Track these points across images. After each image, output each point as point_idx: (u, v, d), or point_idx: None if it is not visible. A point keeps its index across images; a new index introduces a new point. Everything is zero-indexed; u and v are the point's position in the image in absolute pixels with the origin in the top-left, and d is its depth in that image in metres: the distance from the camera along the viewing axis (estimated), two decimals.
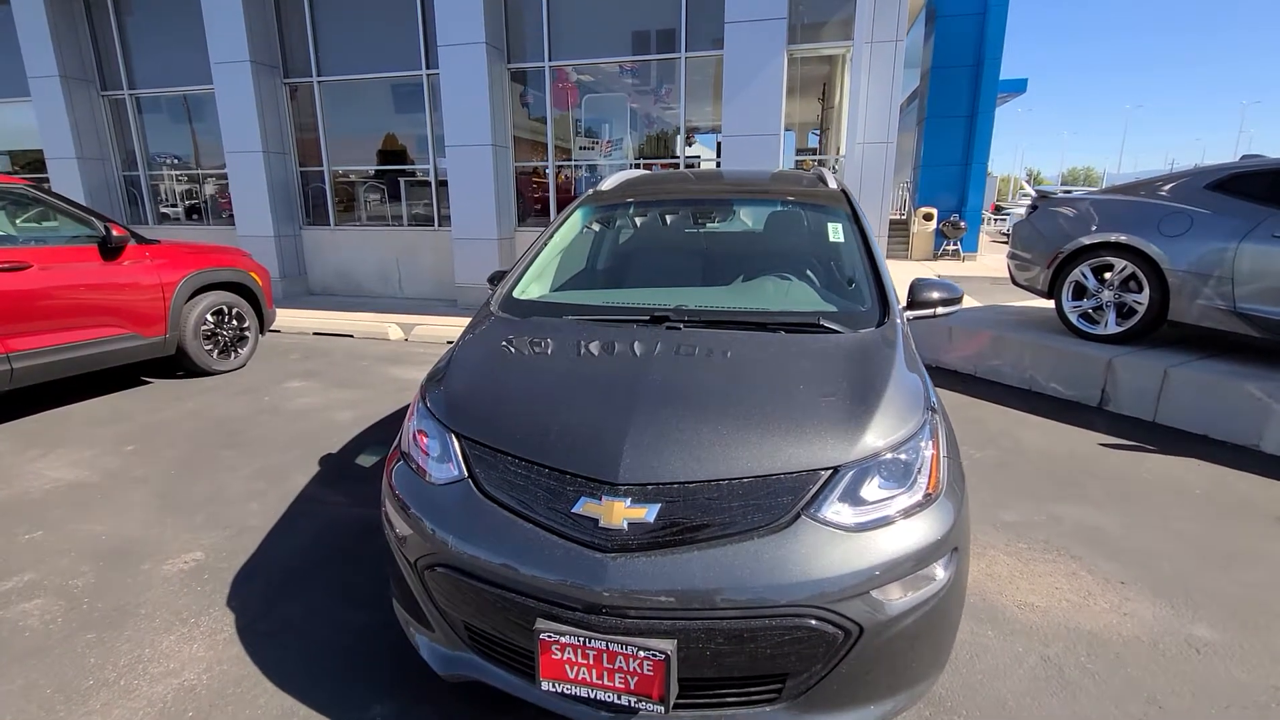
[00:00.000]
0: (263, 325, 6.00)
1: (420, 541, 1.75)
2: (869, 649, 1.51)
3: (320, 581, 2.60)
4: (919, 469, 1.64)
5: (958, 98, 12.86)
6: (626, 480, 1.56)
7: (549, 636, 1.49)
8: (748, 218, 3.00)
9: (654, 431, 1.65)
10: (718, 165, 8.28)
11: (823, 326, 2.08)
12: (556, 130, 8.63)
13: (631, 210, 3.09)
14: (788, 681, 1.53)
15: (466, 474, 1.76)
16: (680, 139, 8.49)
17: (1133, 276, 4.68)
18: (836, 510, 1.55)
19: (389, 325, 7.13)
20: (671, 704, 1.47)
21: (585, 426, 1.70)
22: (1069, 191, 7.03)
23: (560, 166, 8.77)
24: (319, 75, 9.05)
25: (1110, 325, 4.87)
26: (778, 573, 1.47)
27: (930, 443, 1.70)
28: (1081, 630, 2.27)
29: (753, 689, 1.54)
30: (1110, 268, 4.84)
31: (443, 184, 8.99)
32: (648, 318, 2.21)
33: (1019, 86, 15.30)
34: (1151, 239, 4.51)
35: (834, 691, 1.54)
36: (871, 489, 1.59)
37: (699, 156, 9.64)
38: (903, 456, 1.64)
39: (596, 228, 3.08)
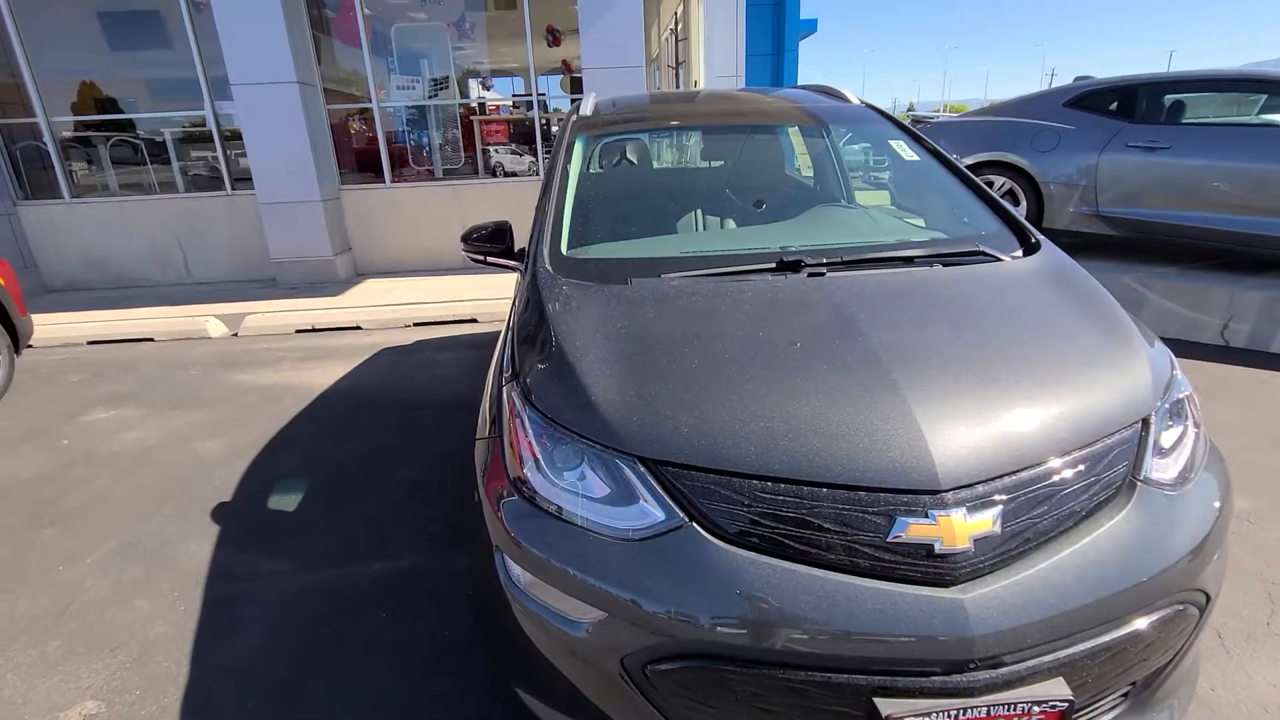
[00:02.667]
0: (16, 342, 4.27)
1: (625, 629, 1.18)
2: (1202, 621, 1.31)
3: (324, 700, 1.82)
4: (1189, 403, 1.45)
5: (763, 36, 13.32)
6: (953, 483, 1.15)
7: (898, 719, 1.06)
8: (779, 142, 2.60)
9: (943, 411, 1.24)
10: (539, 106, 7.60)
11: (985, 254, 1.79)
12: (358, 69, 7.22)
13: (646, 139, 2.52)
14: (1136, 681, 1.28)
15: (684, 516, 1.21)
16: (530, 77, 7.61)
17: (1010, 191, 5.12)
18: (1159, 467, 1.30)
19: (205, 320, 5.55)
20: None
21: (846, 420, 1.23)
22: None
23: (360, 109, 7.38)
24: None
25: None
26: (1150, 555, 1.20)
27: (1179, 371, 1.52)
28: None
29: (1104, 699, 1.27)
30: (990, 185, 5.25)
31: (232, 136, 7.14)
32: (774, 264, 1.74)
33: (810, 26, 16.32)
34: (1027, 155, 4.94)
35: (1172, 681, 1.33)
36: (1169, 435, 1.36)
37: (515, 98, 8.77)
38: (1180, 394, 1.44)
39: (605, 162, 2.46)
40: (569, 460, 1.33)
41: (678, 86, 8.37)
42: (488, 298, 5.92)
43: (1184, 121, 4.51)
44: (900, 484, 1.15)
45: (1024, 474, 1.19)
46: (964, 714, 1.08)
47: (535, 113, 7.40)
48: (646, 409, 1.30)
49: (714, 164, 2.50)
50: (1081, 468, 1.23)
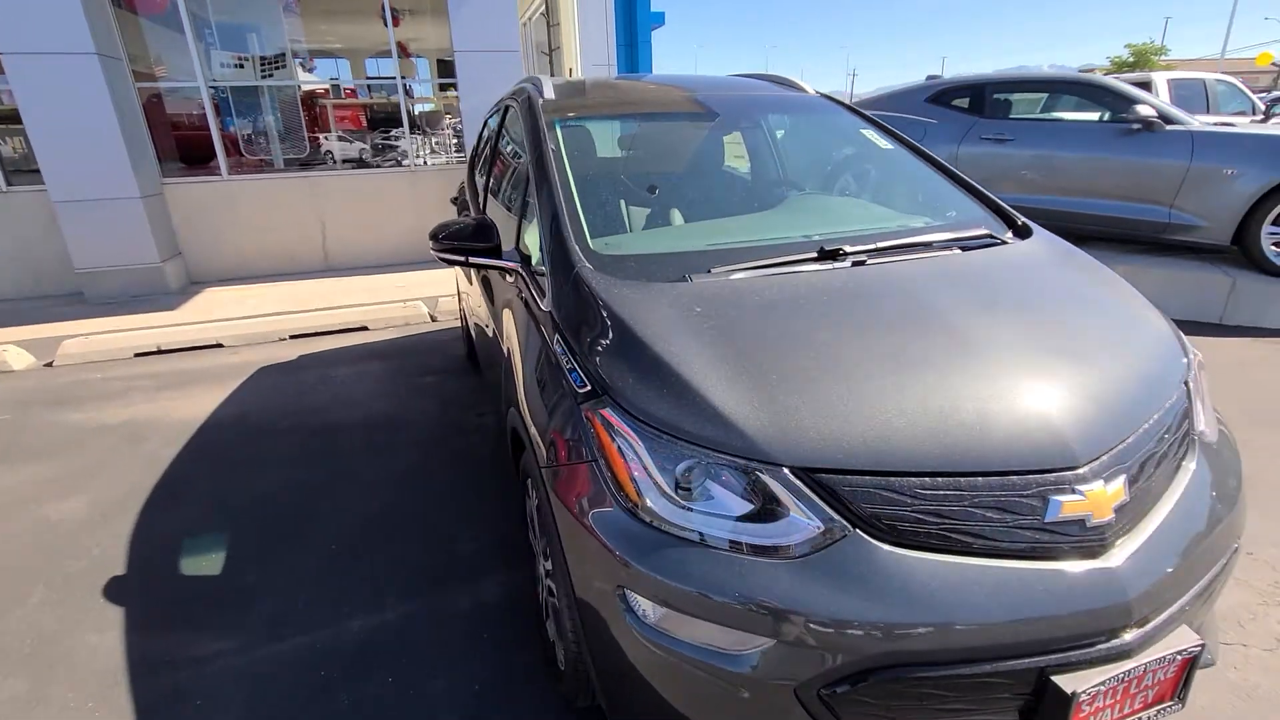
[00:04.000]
0: None
1: (799, 655, 1.10)
2: None
3: None
4: (1196, 362, 1.64)
5: (617, 27, 13.40)
6: (1089, 456, 1.20)
7: (1084, 692, 1.09)
8: (753, 130, 2.55)
9: (1057, 389, 1.29)
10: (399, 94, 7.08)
11: (992, 237, 1.90)
12: (178, 42, 6.16)
13: (637, 125, 2.37)
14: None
15: (846, 523, 1.14)
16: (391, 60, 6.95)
17: None
18: (1201, 420, 1.46)
19: (2, 349, 4.42)
20: (1187, 694, 1.24)
21: (982, 407, 1.23)
22: None
23: (170, 87, 6.34)
24: None
25: None
26: (1224, 499, 1.35)
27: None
28: None
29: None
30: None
31: (7, 118, 5.74)
32: (815, 253, 1.70)
33: (659, 19, 16.63)
34: None
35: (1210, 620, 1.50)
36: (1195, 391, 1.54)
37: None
38: (1193, 354, 1.62)
39: (589, 150, 2.26)
40: (697, 479, 1.20)
41: (552, 74, 8.10)
42: (371, 302, 5.35)
43: (1022, 117, 5.20)
44: (1047, 464, 1.18)
45: (1134, 439, 1.27)
46: (1126, 676, 1.13)
47: (402, 97, 6.78)
48: (786, 415, 1.21)
49: (702, 152, 2.42)
50: (1169, 424, 1.34)
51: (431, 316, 5.12)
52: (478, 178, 3.48)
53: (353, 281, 6.25)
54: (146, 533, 2.53)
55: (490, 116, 3.50)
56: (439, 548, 2.36)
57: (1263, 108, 9.00)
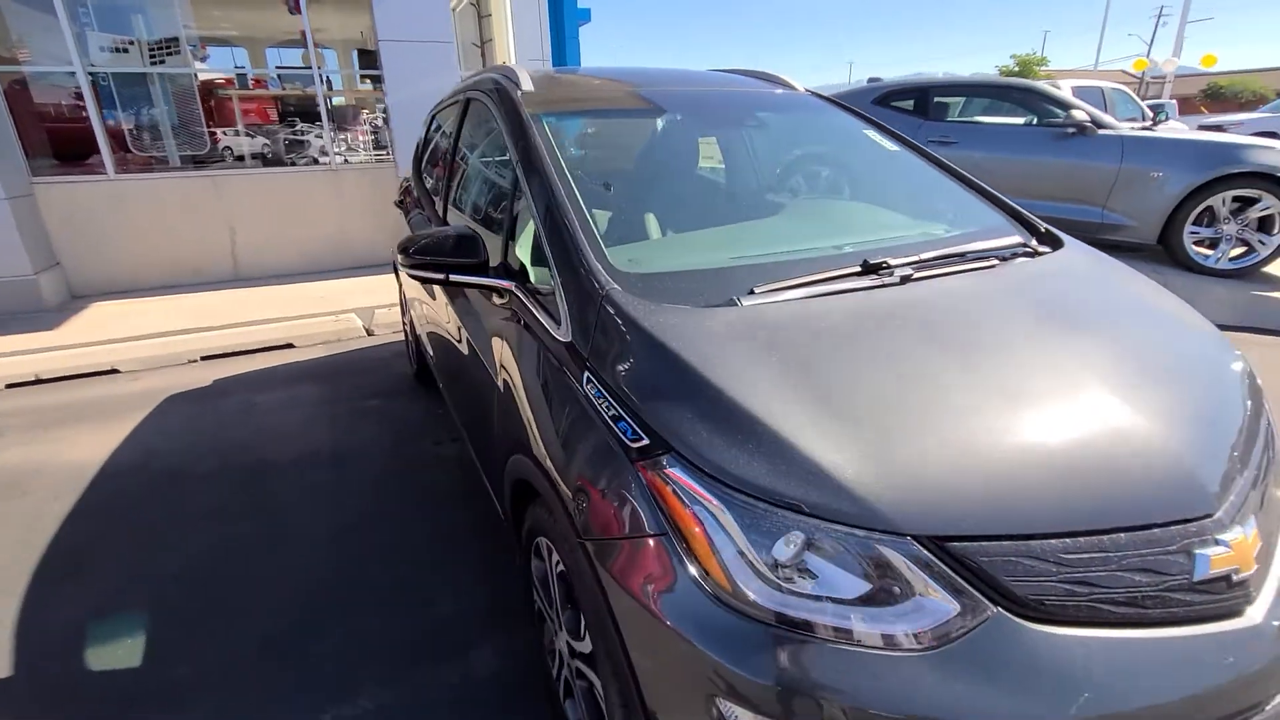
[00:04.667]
0: None
1: None
2: None
3: None
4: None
5: (549, 23, 13.01)
6: (1222, 500, 1.06)
7: None
8: (751, 128, 2.34)
9: (1173, 423, 1.15)
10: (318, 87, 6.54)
11: (1027, 247, 1.77)
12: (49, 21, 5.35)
13: (615, 123, 2.10)
14: None
15: (990, 602, 0.95)
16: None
17: None
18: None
19: None
20: None
21: (1109, 450, 1.08)
22: None
23: (38, 72, 5.52)
24: None
25: None
26: None
27: None
28: None
29: None
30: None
31: None
32: (859, 267, 1.52)
33: (585, 15, 16.39)
34: None
35: None
36: None
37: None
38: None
39: (580, 149, 1.99)
40: (796, 555, 0.98)
41: (483, 65, 7.66)
42: (296, 316, 4.81)
43: (964, 120, 5.31)
44: (1185, 512, 1.03)
45: (1249, 470, 1.15)
46: None
47: (320, 89, 6.19)
48: (904, 471, 1.00)
49: (702, 152, 2.19)
50: (1263, 445, 1.24)
51: (367, 330, 4.66)
52: (427, 180, 3.13)
53: (270, 292, 5.64)
54: (35, 617, 2.06)
55: (440, 111, 3.15)
56: (412, 613, 2.03)
57: (1150, 115, 9.76)
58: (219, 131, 8.75)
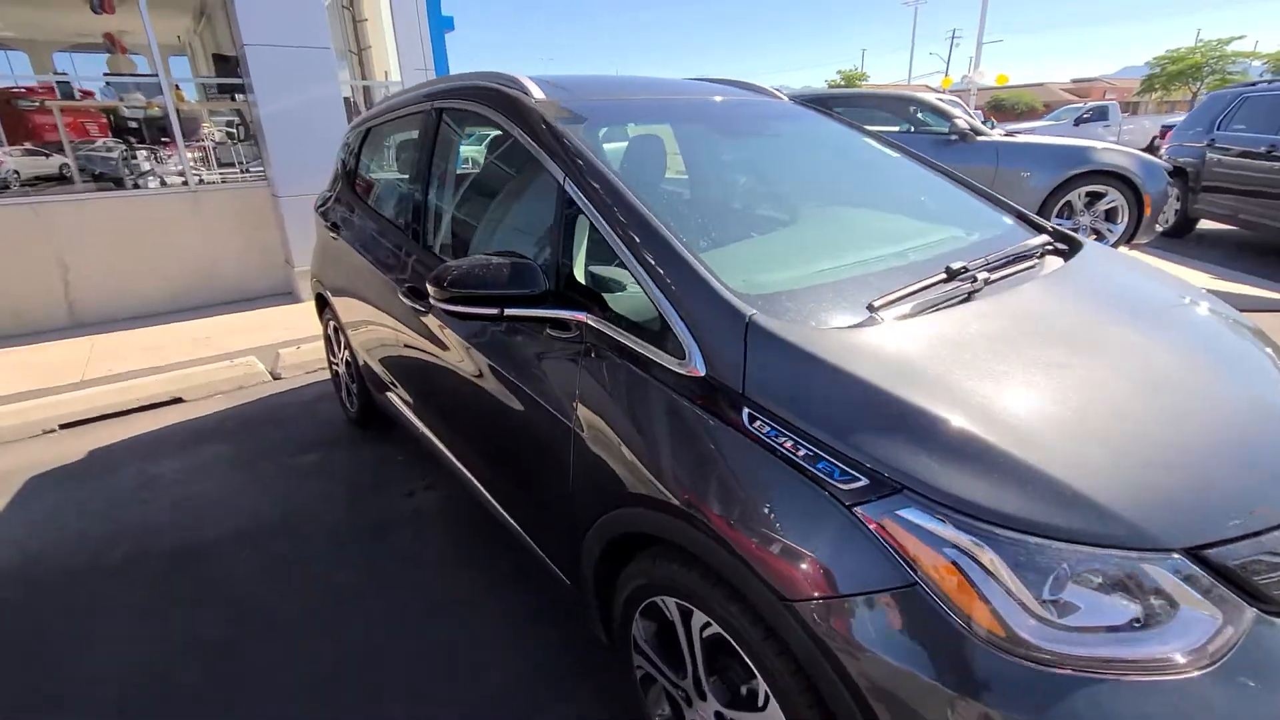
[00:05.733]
0: None
1: None
2: None
3: None
4: None
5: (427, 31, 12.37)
6: None
7: None
8: (770, 137, 2.26)
9: None
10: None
11: (1056, 247, 1.86)
12: None
13: (671, 130, 1.95)
14: None
15: (1244, 603, 0.94)
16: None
17: None
18: None
19: None
20: None
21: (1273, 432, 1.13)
22: None
23: None
24: None
25: None
26: None
27: None
28: None
29: None
30: None
31: None
32: (944, 275, 1.50)
33: (449, 24, 15.74)
34: None
35: None
36: None
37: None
38: None
39: (637, 164, 1.81)
40: (1063, 586, 0.92)
41: (362, 74, 7.01)
42: (174, 365, 4.10)
43: None
44: None
45: None
46: None
47: (169, 100, 5.33)
48: (1152, 484, 0.97)
49: (746, 162, 2.11)
50: None
51: (273, 374, 4.06)
52: (383, 207, 2.75)
53: (124, 339, 4.77)
54: None
55: (378, 125, 2.80)
56: (457, 689, 1.74)
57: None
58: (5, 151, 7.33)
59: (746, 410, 1.14)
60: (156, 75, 5.28)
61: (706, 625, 1.25)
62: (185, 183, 5.53)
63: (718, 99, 2.23)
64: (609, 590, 1.54)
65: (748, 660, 1.16)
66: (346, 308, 2.89)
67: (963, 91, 30.60)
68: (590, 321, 1.44)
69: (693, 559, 1.23)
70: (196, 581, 2.23)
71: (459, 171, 2.27)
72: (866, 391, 1.08)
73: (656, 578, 1.33)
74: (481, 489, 2.06)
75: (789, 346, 1.16)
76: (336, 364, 3.39)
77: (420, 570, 2.24)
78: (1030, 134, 5.73)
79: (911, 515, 0.96)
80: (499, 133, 1.94)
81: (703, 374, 1.22)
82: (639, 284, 1.36)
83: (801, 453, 1.06)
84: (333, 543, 2.40)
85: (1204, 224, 6.97)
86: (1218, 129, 6.86)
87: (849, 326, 1.24)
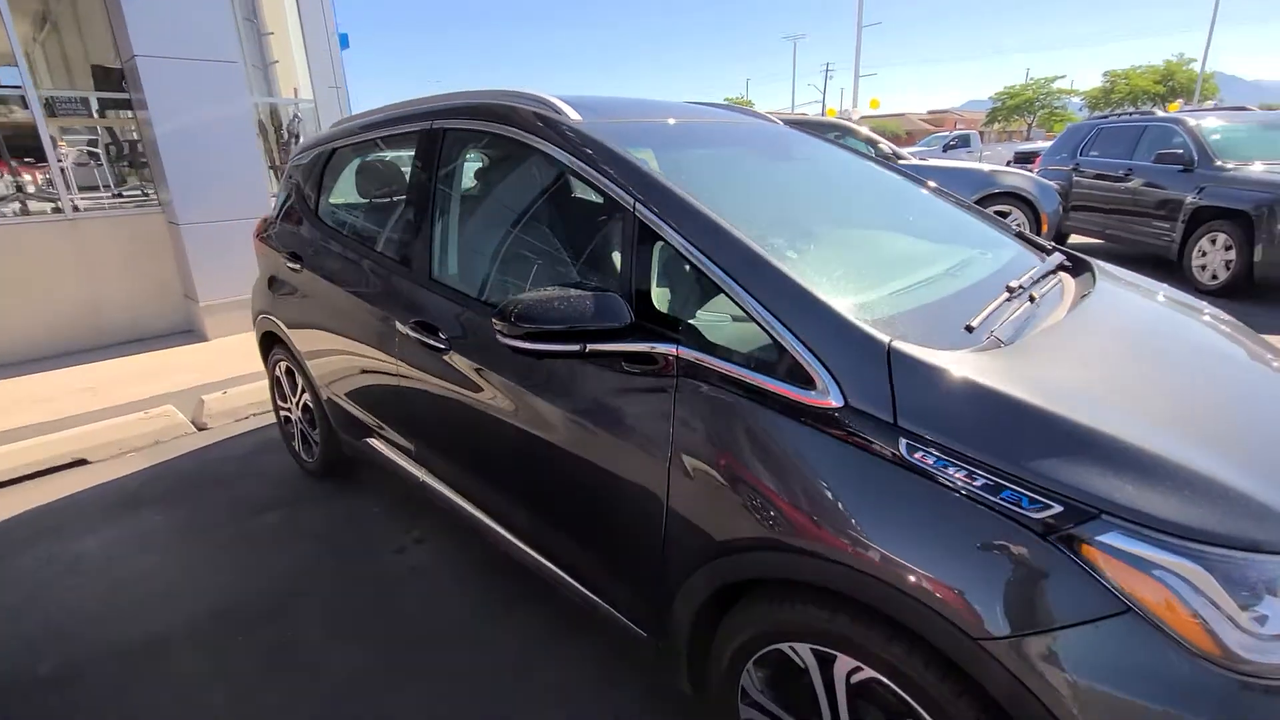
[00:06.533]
0: None
1: None
2: None
3: None
4: None
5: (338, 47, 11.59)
6: None
7: None
8: (796, 161, 2.25)
9: None
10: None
11: (1066, 265, 1.97)
12: None
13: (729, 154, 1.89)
14: None
15: None
16: None
17: None
18: None
19: None
20: None
21: None
22: None
23: None
24: None
25: None
26: None
27: None
28: None
29: None
30: None
31: None
32: (1006, 294, 1.55)
33: (344, 42, 14.97)
34: None
35: None
36: None
37: None
38: None
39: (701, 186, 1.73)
40: (1257, 598, 0.94)
41: (269, 91, 6.42)
42: (67, 419, 3.52)
43: None
44: None
45: None
46: None
47: (38, 111, 4.64)
48: None
49: (777, 186, 2.08)
50: None
51: (197, 425, 3.58)
52: (364, 231, 2.50)
53: (1, 390, 4.06)
54: None
55: (346, 147, 2.56)
56: None
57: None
58: None
59: (904, 441, 1.09)
60: (21, 87, 4.59)
61: (855, 670, 1.19)
62: (58, 209, 4.83)
63: (738, 122, 2.22)
64: (704, 639, 1.44)
65: (914, 704, 1.11)
66: (313, 346, 2.60)
67: (845, 117, 33.04)
68: (684, 354, 1.36)
69: (840, 600, 1.17)
70: (150, 694, 1.85)
71: (470, 196, 2.10)
72: (1036, 415, 1.07)
73: (784, 623, 1.26)
74: (513, 538, 1.89)
75: (941, 372, 1.13)
76: (288, 409, 3.04)
77: (446, 645, 1.98)
78: (918, 159, 6.28)
79: (1115, 540, 0.95)
80: (502, 153, 1.81)
81: (840, 405, 1.16)
82: (746, 312, 1.30)
83: (979, 482, 1.03)
84: (332, 619, 2.10)
85: (1074, 238, 7.84)
86: (1081, 155, 7.78)
87: (980, 349, 1.24)
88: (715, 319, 1.40)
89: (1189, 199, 5.96)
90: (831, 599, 1.18)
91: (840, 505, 1.14)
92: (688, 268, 1.41)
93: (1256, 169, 5.57)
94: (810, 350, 1.21)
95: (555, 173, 1.88)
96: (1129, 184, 6.80)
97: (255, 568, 2.37)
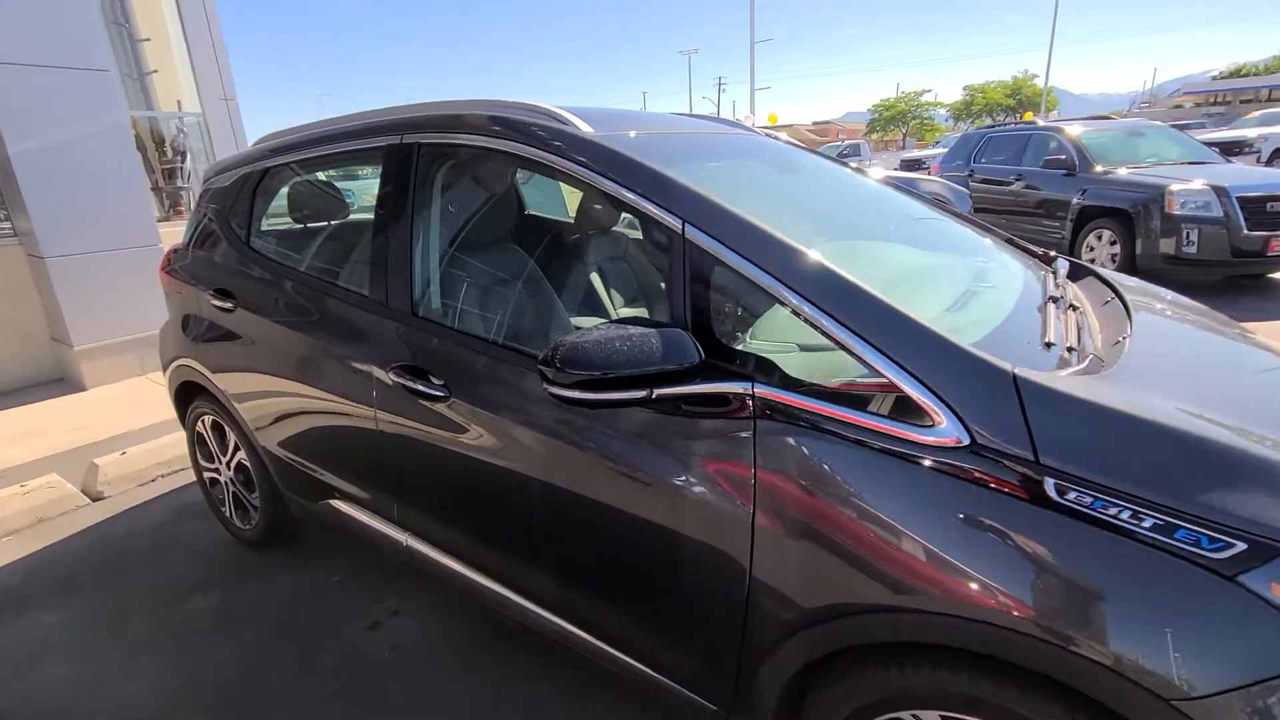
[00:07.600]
0: None
1: None
2: None
3: None
4: None
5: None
6: None
7: None
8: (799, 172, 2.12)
9: None
10: None
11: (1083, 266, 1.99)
12: None
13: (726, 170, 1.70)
14: None
15: None
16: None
17: None
18: None
19: None
20: None
21: None
22: None
23: None
24: None
25: None
26: None
27: None
28: None
29: None
30: None
31: None
32: (1054, 305, 1.51)
33: None
34: None
35: None
36: None
37: None
38: None
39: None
40: None
41: (147, 104, 5.63)
42: None
43: None
44: None
45: None
46: None
47: None
48: None
49: (800, 200, 1.96)
50: None
51: (91, 495, 3.01)
52: (318, 263, 2.15)
53: None
54: None
55: (297, 163, 2.21)
56: None
57: None
58: None
59: (1052, 481, 0.99)
60: None
61: None
62: None
63: (735, 133, 2.10)
64: (794, 708, 1.28)
65: None
66: (252, 397, 2.22)
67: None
68: (760, 391, 1.20)
69: (976, 661, 1.04)
70: None
71: (458, 220, 1.83)
72: (1198, 444, 0.99)
73: (902, 689, 1.12)
74: (536, 609, 1.64)
75: (1080, 403, 1.03)
76: (214, 469, 2.60)
77: None
78: None
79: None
80: (494, 170, 1.60)
81: (966, 443, 1.04)
82: (835, 340, 1.16)
83: (1147, 523, 0.93)
84: None
85: None
86: (975, 161, 8.35)
87: (1100, 373, 1.16)
88: (790, 350, 1.25)
89: (1075, 200, 6.52)
90: (969, 659, 1.05)
91: (982, 557, 1.01)
92: (753, 294, 1.25)
93: (1126, 172, 6.22)
94: (921, 382, 1.09)
95: (569, 192, 1.68)
96: (1021, 187, 7.36)
97: (189, 667, 1.96)
